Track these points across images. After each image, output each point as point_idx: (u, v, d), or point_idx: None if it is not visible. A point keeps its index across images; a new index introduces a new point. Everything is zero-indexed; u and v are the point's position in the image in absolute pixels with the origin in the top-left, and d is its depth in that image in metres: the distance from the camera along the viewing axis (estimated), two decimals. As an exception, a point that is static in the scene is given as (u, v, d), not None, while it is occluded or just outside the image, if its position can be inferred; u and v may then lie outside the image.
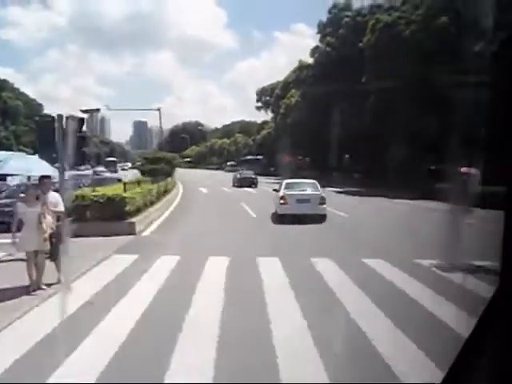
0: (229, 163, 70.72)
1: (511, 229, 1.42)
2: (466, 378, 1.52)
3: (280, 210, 14.99)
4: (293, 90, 47.29)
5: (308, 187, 15.57)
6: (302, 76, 41.81)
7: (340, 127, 33.55)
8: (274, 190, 17.04)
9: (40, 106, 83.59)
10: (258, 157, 58.56)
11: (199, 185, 35.04)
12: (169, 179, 24.34)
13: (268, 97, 64.06)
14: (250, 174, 35.99)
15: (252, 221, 15.72)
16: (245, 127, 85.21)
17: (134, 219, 11.94)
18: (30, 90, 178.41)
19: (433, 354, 4.08)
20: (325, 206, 14.74)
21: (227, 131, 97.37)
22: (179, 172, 39.23)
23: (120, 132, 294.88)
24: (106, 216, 11.60)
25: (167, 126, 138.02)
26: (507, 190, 1.45)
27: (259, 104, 71.26)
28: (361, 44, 30.92)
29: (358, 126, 31.03)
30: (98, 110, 35.46)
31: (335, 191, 28.26)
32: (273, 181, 29.33)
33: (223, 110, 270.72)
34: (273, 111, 59.71)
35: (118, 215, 11.58)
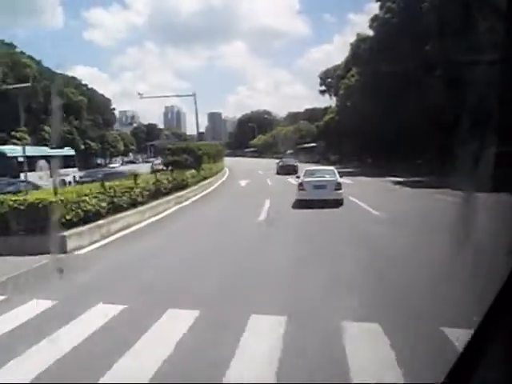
0: (288, 152, 67.87)
1: None
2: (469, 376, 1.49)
3: (298, 195, 15.80)
4: (353, 69, 42.47)
5: (325, 174, 16.32)
6: (360, 51, 36.83)
7: (401, 108, 29.24)
8: (297, 177, 17.65)
9: (109, 100, 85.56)
10: (312, 144, 55.13)
11: (244, 176, 32.44)
12: (192, 171, 21.36)
13: (330, 79, 59.52)
14: (291, 161, 36.63)
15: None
16: (310, 114, 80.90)
17: (66, 232, 8.94)
18: (112, 88, 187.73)
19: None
20: (341, 191, 15.26)
21: (294, 119, 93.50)
22: (239, 161, 36.93)
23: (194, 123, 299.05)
24: (31, 227, 8.75)
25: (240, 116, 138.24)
26: None
27: (323, 88, 66.96)
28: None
29: (421, 106, 26.15)
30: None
31: (394, 181, 24.34)
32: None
33: (295, 98, 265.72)
34: (335, 94, 55.48)
35: (43, 226, 8.62)
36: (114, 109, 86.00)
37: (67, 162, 27.26)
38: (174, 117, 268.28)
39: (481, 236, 4.31)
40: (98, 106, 76.00)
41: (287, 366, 3.88)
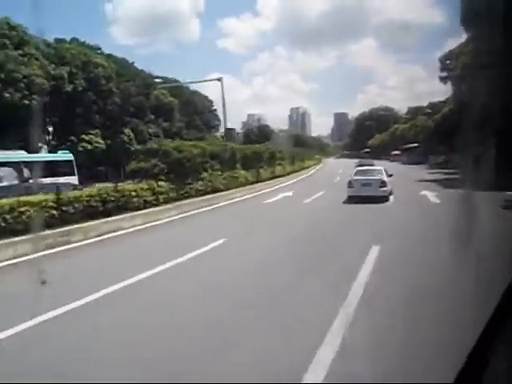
0: (392, 152, 57.83)
1: None
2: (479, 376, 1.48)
3: (348, 192, 17.40)
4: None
5: (372, 173, 18.16)
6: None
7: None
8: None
9: (210, 102, 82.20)
10: (414, 145, 45.40)
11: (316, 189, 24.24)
12: (162, 183, 13.92)
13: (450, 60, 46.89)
14: (368, 162, 34.32)
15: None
16: (432, 107, 67.28)
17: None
18: (245, 93, 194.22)
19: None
20: (385, 188, 16.78)
21: (415, 114, 79.86)
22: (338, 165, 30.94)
23: (322, 125, 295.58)
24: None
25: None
26: None
27: (444, 73, 53.88)
28: None
29: None
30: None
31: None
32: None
33: (431, 94, 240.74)
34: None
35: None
36: (215, 110, 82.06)
37: (61, 168, 21.86)
38: (299, 118, 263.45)
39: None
40: (196, 107, 72.73)
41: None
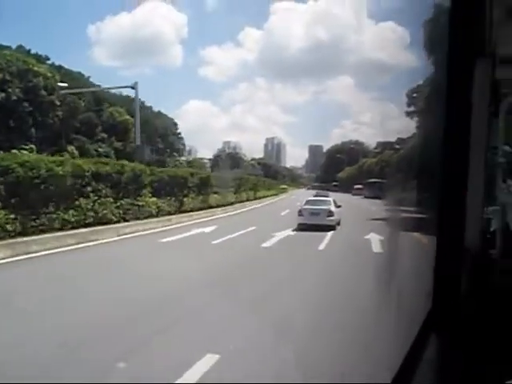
0: (355, 186, 60.57)
1: (442, 254, 1.61)
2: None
3: (298, 219, 18.57)
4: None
5: (321, 203, 19.50)
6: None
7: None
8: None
9: (175, 125, 78.66)
10: (377, 180, 44.26)
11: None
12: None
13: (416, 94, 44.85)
14: (324, 193, 34.28)
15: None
16: (399, 142, 65.34)
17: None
18: (223, 120, 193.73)
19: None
20: (332, 218, 18.10)
21: (384, 149, 78.03)
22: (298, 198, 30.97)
23: (297, 157, 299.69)
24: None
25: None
26: (438, 217, 1.65)
27: (411, 108, 51.94)
28: None
29: None
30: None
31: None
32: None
33: (399, 131, 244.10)
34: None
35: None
36: (179, 133, 78.47)
37: None
38: (274, 148, 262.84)
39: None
40: (157, 129, 68.90)
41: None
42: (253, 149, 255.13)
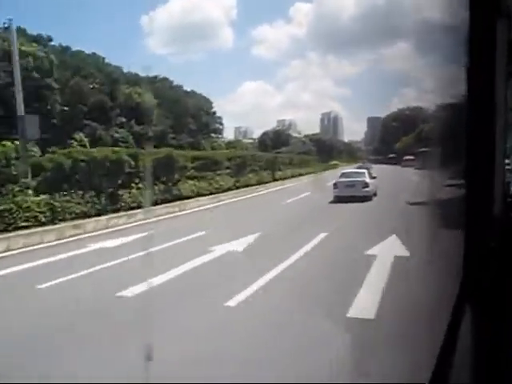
0: (405, 157, 54.85)
1: (471, 222, 1.52)
2: (451, 375, 1.54)
3: (334, 192, 18.95)
4: None
5: (356, 175, 19.66)
6: None
7: None
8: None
9: (209, 103, 72.58)
10: (423, 149, 36.39)
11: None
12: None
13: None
14: (366, 166, 34.12)
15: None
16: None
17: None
18: (278, 99, 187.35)
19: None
20: (367, 189, 18.47)
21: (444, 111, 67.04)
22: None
23: (356, 130, 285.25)
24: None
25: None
26: (466, 183, 1.56)
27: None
28: None
29: None
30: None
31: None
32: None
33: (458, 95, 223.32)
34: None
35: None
36: (214, 112, 72.35)
37: None
38: (330, 123, 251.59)
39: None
40: (188, 108, 63.24)
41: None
42: (309, 125, 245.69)
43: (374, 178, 20.24)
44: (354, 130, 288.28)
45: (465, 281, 1.55)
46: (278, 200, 20.74)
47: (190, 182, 18.33)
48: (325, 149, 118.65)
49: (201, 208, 18.07)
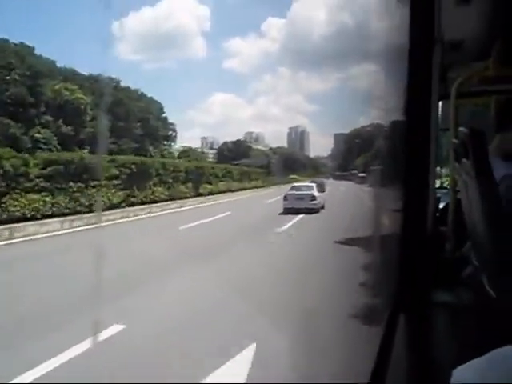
0: (359, 174, 56.77)
1: (408, 228, 1.59)
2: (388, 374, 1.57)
3: (284, 204, 19.74)
4: None
5: (305, 189, 20.74)
6: None
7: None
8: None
9: (160, 107, 67.12)
10: (373, 167, 33.74)
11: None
12: None
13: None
14: (319, 181, 31.13)
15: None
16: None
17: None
18: (248, 112, 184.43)
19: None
20: (315, 201, 19.53)
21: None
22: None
23: (322, 146, 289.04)
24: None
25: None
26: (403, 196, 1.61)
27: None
28: None
29: None
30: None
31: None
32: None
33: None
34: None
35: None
36: (165, 118, 66.93)
37: None
38: (297, 137, 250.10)
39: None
40: (134, 112, 57.58)
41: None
42: (277, 139, 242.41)
43: (323, 191, 22.08)
44: (321, 146, 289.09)
45: (399, 290, 1.63)
46: (174, 224, 15.53)
47: (34, 196, 12.77)
48: (287, 162, 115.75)
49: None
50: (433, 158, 1.73)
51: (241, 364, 4.18)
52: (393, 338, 1.61)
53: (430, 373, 1.57)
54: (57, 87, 44.01)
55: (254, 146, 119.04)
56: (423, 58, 1.60)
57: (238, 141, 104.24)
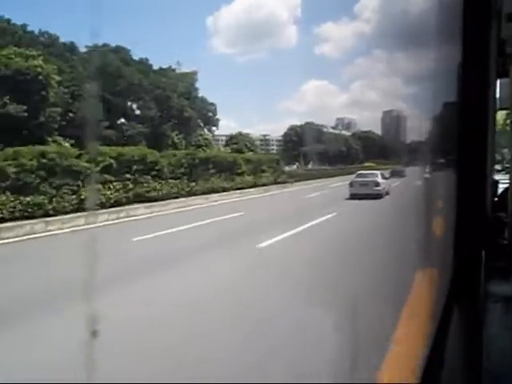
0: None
1: (463, 214, 1.47)
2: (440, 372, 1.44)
3: (349, 190, 20.06)
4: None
5: (370, 176, 20.73)
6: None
7: None
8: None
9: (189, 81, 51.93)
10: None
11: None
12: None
13: None
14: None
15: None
16: None
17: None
18: (342, 98, 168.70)
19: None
20: (379, 187, 19.50)
21: None
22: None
23: (418, 130, 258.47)
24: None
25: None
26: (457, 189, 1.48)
27: None
28: None
29: None
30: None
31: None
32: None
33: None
34: None
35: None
36: (196, 97, 51.70)
37: None
38: (392, 121, 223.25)
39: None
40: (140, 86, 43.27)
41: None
42: (371, 125, 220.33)
43: (387, 178, 21.77)
44: (418, 130, 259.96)
45: (454, 279, 1.49)
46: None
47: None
48: (373, 148, 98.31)
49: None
50: (491, 139, 1.56)
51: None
52: (447, 330, 1.48)
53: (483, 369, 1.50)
54: (3, 52, 31.00)
55: (330, 130, 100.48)
56: (479, 32, 1.44)
57: (306, 124, 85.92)
